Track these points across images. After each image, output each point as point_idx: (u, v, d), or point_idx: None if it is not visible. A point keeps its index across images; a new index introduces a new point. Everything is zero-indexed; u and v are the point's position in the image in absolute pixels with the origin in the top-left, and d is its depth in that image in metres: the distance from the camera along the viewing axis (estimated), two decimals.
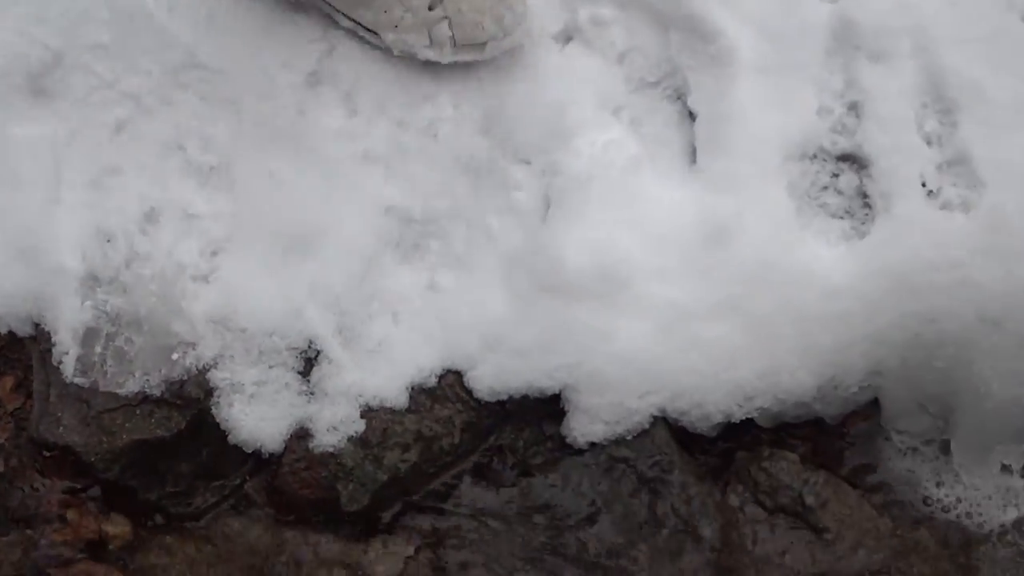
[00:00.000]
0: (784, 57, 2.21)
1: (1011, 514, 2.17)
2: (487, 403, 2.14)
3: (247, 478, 2.12)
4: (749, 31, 2.22)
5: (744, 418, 2.14)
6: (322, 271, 2.13)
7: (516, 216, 2.17)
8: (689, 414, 2.13)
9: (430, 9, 2.15)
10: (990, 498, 2.17)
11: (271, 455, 2.09)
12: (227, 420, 2.07)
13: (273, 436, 2.08)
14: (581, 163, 2.17)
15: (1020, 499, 2.17)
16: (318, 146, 2.18)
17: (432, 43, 2.17)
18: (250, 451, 2.08)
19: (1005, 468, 2.18)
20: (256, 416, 2.07)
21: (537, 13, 2.25)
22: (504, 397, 2.13)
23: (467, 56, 2.20)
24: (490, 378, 2.13)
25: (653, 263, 2.13)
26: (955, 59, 2.20)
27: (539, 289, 2.13)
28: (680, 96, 2.24)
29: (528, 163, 2.20)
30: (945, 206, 2.14)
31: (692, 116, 2.22)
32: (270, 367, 2.09)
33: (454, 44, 2.17)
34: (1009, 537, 2.15)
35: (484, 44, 2.18)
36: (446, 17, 2.15)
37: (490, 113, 2.22)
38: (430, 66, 2.22)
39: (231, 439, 2.07)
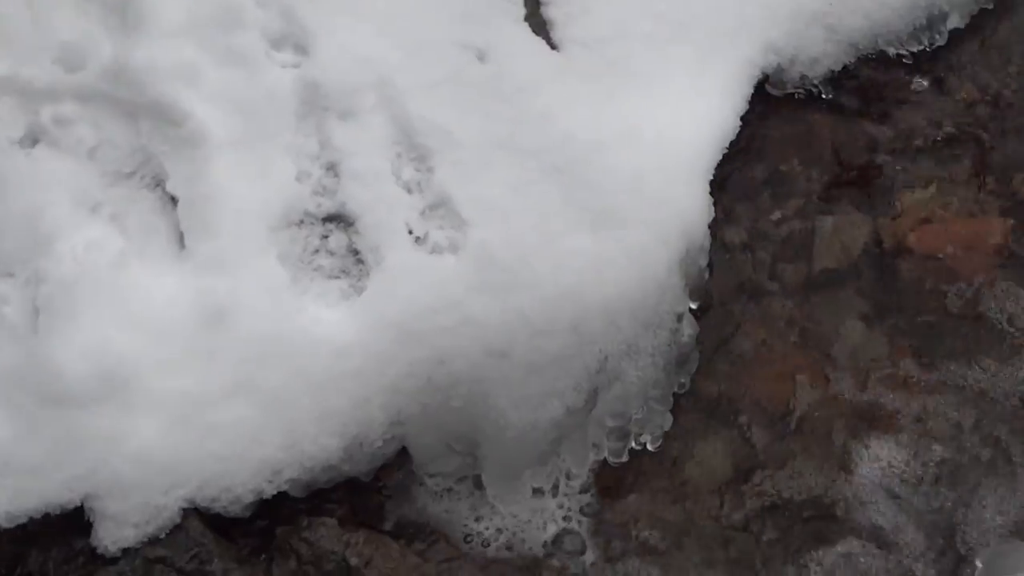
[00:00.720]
0: (256, 128, 2.22)
1: (551, 531, 2.24)
2: (7, 530, 2.05)
3: None
4: (217, 108, 2.22)
5: (276, 492, 2.13)
6: None
7: (6, 331, 2.10)
8: (220, 500, 2.11)
9: None
10: (529, 521, 2.23)
11: None
12: None
13: None
14: (65, 267, 2.12)
15: (556, 517, 2.24)
16: None
17: None
18: None
19: (537, 491, 2.25)
20: None
21: None
22: (24, 520, 2.05)
23: None
24: (4, 503, 2.04)
25: (156, 356, 2.10)
26: (420, 106, 2.26)
27: (41, 402, 2.06)
28: (159, 183, 2.21)
29: (11, 275, 2.13)
30: (435, 250, 2.19)
31: (174, 201, 2.19)
32: None
33: None
34: (554, 558, 2.22)
35: None
36: None
37: None
38: None
39: None
